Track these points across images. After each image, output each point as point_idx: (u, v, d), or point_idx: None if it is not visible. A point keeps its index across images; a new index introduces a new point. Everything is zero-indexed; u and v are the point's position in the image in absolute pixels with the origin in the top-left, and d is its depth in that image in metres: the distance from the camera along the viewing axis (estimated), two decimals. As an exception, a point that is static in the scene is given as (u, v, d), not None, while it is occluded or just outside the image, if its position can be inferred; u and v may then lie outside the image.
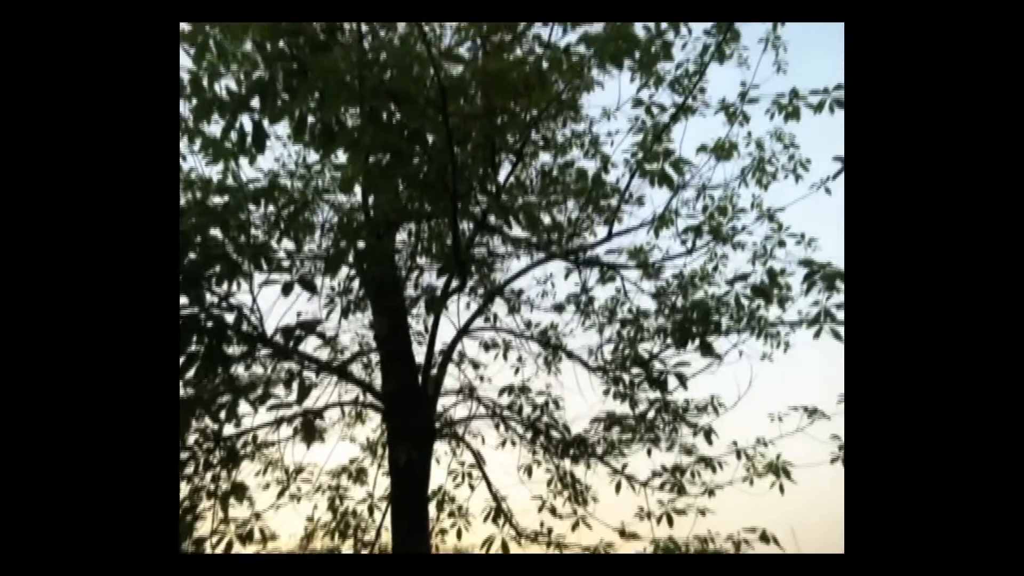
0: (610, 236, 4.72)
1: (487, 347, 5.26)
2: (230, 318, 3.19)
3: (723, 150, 4.76)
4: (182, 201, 3.81)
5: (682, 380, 3.95)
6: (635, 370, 4.25)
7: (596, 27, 3.77)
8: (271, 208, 3.78)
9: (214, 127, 3.31)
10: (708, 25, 4.11)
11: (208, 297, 2.95)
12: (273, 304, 5.10)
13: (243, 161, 3.79)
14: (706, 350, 3.89)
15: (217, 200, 3.91)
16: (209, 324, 3.01)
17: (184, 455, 3.84)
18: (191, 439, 3.94)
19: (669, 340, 4.21)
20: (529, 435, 4.78)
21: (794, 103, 4.35)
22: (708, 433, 4.39)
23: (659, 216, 4.61)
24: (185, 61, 3.84)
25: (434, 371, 4.32)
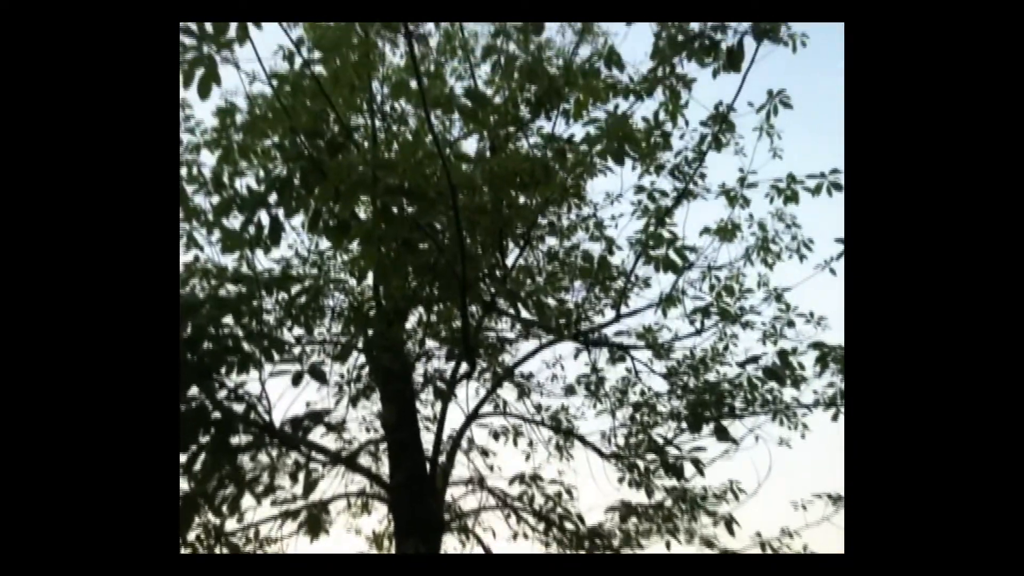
0: (618, 317, 4.73)
1: (496, 435, 5.16)
2: (239, 408, 3.17)
3: (726, 231, 4.86)
4: (197, 290, 3.89)
5: (699, 466, 3.83)
6: (650, 456, 4.14)
7: (598, 115, 3.97)
8: (284, 296, 3.85)
9: (233, 220, 3.44)
10: (704, 116, 4.32)
11: (217, 388, 2.95)
12: (282, 393, 5.07)
13: (258, 251, 3.90)
14: (722, 435, 3.79)
15: (231, 288, 3.99)
16: (217, 415, 2.99)
17: (185, 550, 3.70)
18: (192, 535, 3.81)
19: (683, 424, 4.12)
20: (542, 526, 4.59)
21: (792, 187, 4.49)
22: (729, 523, 4.19)
23: (666, 297, 4.64)
24: (208, 158, 4.04)
25: (442, 459, 4.22)
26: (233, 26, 2.49)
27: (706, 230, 4.85)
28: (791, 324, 4.80)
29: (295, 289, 3.84)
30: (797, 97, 4.18)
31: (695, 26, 3.93)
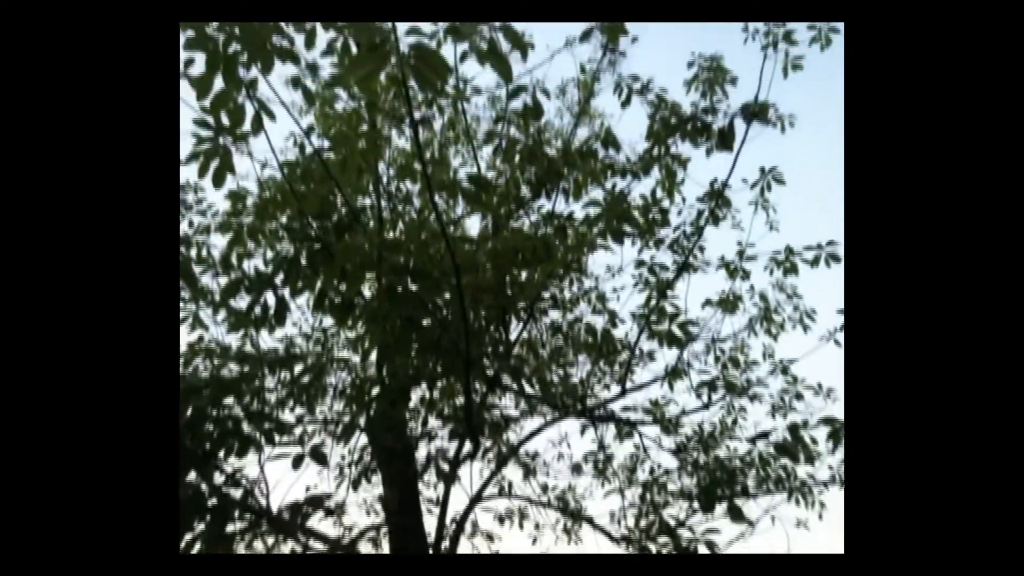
0: (624, 392, 4.67)
1: (501, 520, 4.96)
2: (236, 493, 3.08)
3: (728, 303, 4.89)
4: (201, 370, 3.88)
5: (713, 550, 3.66)
6: (662, 539, 3.96)
7: (597, 194, 4.09)
8: (286, 375, 3.83)
9: (240, 301, 3.48)
10: (700, 192, 4.45)
11: (215, 473, 2.89)
12: (280, 478, 4.92)
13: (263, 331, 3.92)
14: (736, 515, 3.65)
15: (234, 367, 3.98)
16: (213, 501, 2.90)
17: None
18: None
19: (695, 504, 3.97)
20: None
21: (791, 259, 4.55)
22: (749, 612, 3.95)
23: (671, 370, 4.60)
24: (219, 240, 4.14)
25: (446, 544, 4.05)
26: (249, 117, 2.63)
27: (708, 302, 4.87)
28: (799, 397, 4.73)
29: (298, 368, 3.83)
30: (793, 165, 4.32)
31: (687, 109, 4.14)
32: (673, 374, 4.57)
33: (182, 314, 3.74)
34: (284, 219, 3.49)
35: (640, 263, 4.47)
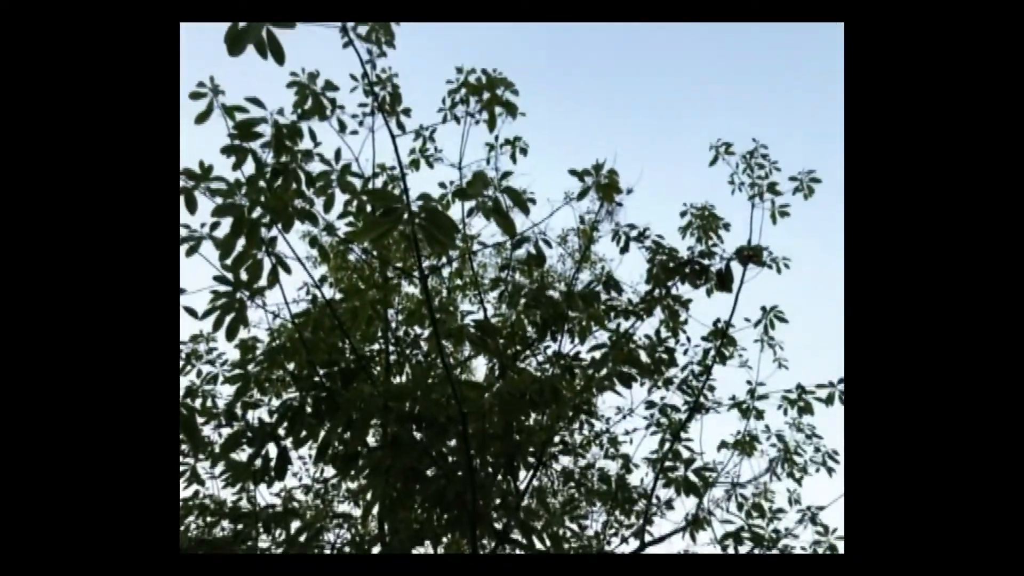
0: (643, 545, 4.33)
1: None
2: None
3: (744, 445, 4.70)
4: (193, 529, 3.67)
5: None
6: None
7: (602, 336, 4.13)
8: (282, 533, 3.61)
9: (240, 453, 3.39)
10: (704, 332, 4.50)
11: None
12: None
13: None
14: None
15: (227, 525, 3.76)
16: None
17: None
18: None
19: None
20: None
21: (803, 397, 4.46)
22: None
23: (692, 520, 4.31)
24: (226, 389, 4.13)
25: None
26: (266, 271, 2.76)
27: (723, 444, 4.69)
28: (833, 549, 4.36)
29: (295, 525, 3.62)
30: (796, 300, 4.39)
31: (684, 253, 4.32)
32: (695, 524, 4.27)
33: (181, 468, 3.63)
34: (292, 366, 3.51)
35: (650, 404, 4.38)
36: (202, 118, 2.96)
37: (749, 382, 4.51)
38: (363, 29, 3.56)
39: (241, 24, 1.96)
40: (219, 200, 2.52)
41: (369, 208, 3.35)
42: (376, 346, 4.35)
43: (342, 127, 3.61)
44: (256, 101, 2.83)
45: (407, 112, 3.86)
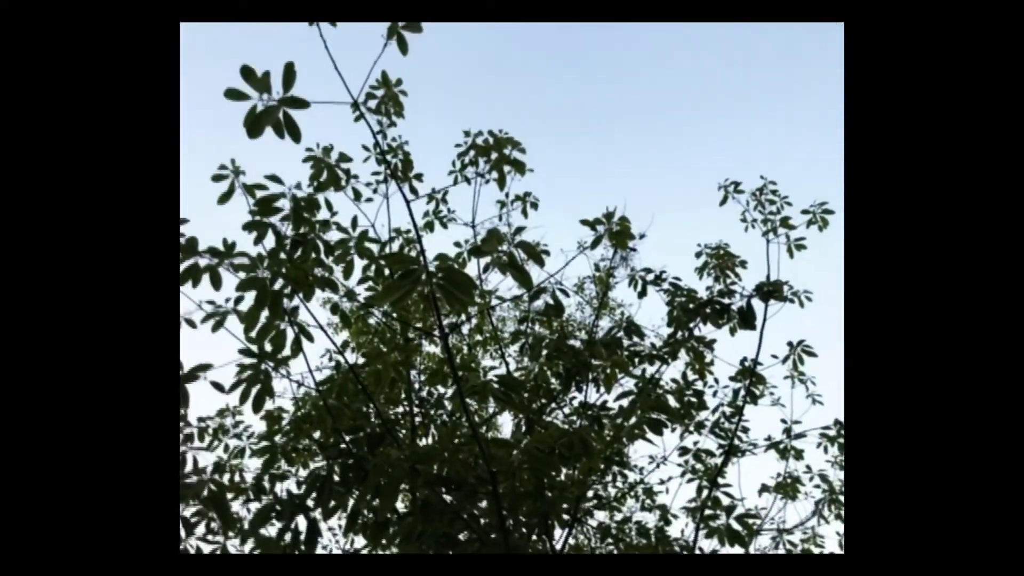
0: (690, 603, 4.11)
1: None
2: None
3: (787, 488, 4.52)
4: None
5: None
6: None
7: (628, 383, 4.07)
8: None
9: (269, 528, 3.35)
10: (732, 372, 4.40)
11: None
12: None
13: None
14: None
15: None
16: None
17: None
18: None
19: None
20: None
21: (843, 433, 4.30)
22: None
23: (740, 572, 4.09)
24: (254, 463, 4.11)
25: None
26: (289, 340, 2.80)
27: (764, 488, 4.51)
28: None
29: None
30: (826, 333, 4.29)
31: (703, 294, 4.30)
32: (742, 576, 4.05)
33: (211, 548, 3.58)
34: (317, 435, 3.50)
35: (684, 450, 4.26)
36: (224, 198, 3.08)
37: (784, 420, 4.38)
38: (373, 103, 3.73)
39: (258, 108, 2.08)
40: (242, 275, 2.60)
41: (387, 272, 3.41)
42: (400, 409, 4.33)
43: (357, 196, 3.73)
44: (275, 178, 2.95)
45: (419, 177, 3.98)
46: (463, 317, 4.73)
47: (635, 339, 4.34)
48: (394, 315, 4.39)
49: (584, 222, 3.89)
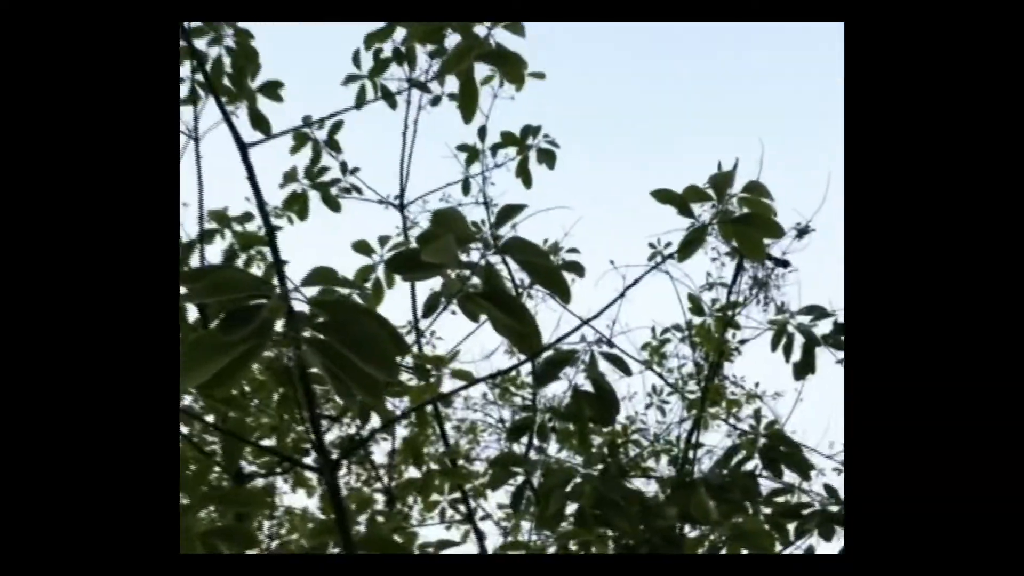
0: None
1: None
2: None
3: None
4: None
5: None
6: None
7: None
8: None
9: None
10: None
11: None
12: None
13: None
14: None
15: None
16: None
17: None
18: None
19: None
20: None
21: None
22: None
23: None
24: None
25: None
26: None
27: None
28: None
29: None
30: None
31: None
32: None
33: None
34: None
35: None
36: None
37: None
38: None
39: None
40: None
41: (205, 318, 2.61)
42: None
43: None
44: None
45: (274, 90, 2.91)
46: (374, 417, 2.00)
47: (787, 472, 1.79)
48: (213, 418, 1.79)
49: (663, 195, 1.31)
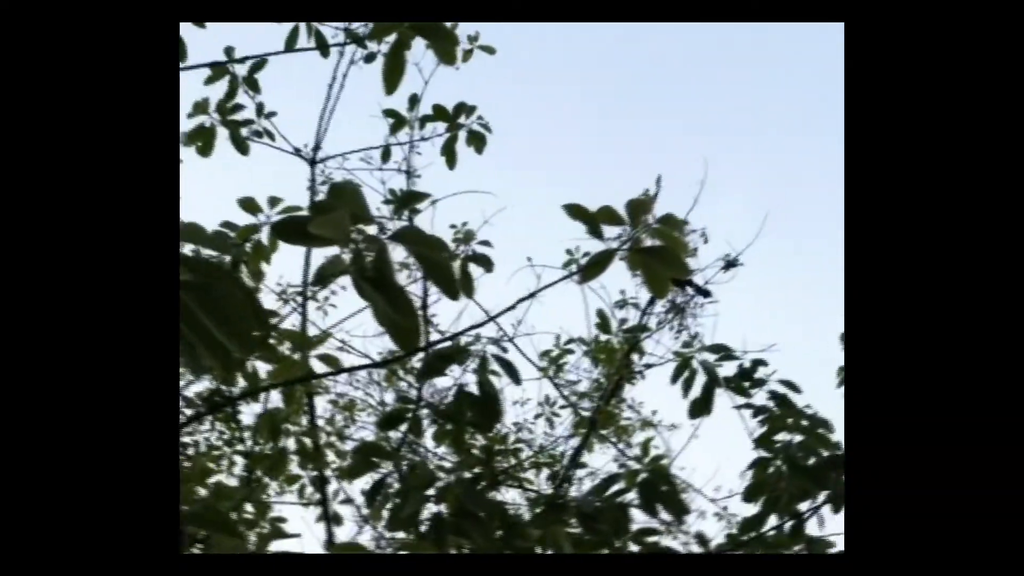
0: None
1: None
2: None
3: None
4: None
5: None
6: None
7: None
8: None
9: None
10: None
11: None
12: None
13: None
14: None
15: None
16: None
17: None
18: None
19: None
20: None
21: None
22: None
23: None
24: None
25: None
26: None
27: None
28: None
29: None
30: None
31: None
32: None
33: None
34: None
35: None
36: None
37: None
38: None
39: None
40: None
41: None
42: None
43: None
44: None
45: None
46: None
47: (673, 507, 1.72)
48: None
49: (575, 211, 1.23)
